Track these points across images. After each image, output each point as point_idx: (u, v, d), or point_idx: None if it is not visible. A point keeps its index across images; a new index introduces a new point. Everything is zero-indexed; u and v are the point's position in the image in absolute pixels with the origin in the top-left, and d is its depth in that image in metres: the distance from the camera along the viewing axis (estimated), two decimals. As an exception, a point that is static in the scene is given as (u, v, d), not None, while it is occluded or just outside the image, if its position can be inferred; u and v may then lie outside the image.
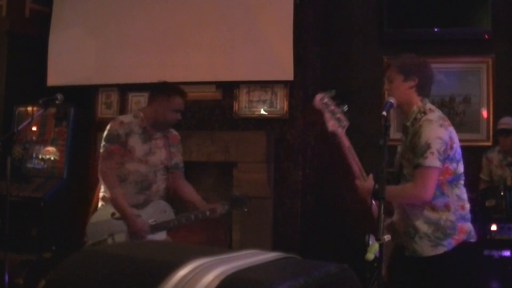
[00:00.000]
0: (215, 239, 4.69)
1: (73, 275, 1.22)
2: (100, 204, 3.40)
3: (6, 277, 3.40)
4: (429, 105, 2.68)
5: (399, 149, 2.77)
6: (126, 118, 3.47)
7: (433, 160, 2.50)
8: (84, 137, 5.40)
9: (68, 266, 1.25)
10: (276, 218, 4.80)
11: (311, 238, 5.00)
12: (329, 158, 5.35)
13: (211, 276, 1.07)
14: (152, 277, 1.11)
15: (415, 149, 2.56)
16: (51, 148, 5.27)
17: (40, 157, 5.28)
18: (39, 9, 5.68)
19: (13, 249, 3.69)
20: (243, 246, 4.62)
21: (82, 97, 5.39)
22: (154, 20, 5.14)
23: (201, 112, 5.09)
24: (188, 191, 3.60)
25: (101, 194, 3.41)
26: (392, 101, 2.58)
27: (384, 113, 2.46)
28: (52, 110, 5.13)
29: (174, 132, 3.59)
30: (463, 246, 2.60)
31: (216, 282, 1.05)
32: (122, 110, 5.32)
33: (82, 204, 5.37)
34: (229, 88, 4.99)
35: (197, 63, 4.96)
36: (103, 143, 3.35)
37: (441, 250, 2.57)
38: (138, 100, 5.28)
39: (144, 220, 3.27)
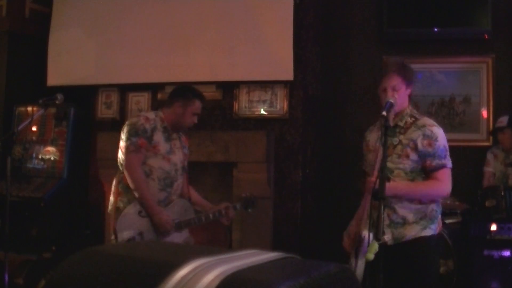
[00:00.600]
0: (215, 239, 4.69)
1: (73, 275, 1.22)
2: (118, 199, 3.35)
3: (6, 277, 3.40)
4: (414, 110, 2.96)
5: (379, 144, 2.83)
6: (149, 114, 3.48)
7: (450, 162, 2.83)
8: (84, 137, 5.40)
9: (68, 266, 1.25)
10: (276, 218, 4.80)
11: (311, 238, 5.00)
12: (329, 158, 5.35)
13: (211, 276, 1.07)
14: (152, 277, 1.11)
15: (432, 151, 2.77)
16: (51, 148, 5.27)
17: (40, 157, 5.28)
18: (39, 9, 5.68)
19: (13, 249, 3.70)
20: (243, 246, 4.62)
21: (82, 97, 5.39)
22: (154, 20, 5.14)
23: (201, 112, 5.09)
24: (194, 193, 3.66)
25: (118, 189, 3.38)
26: (392, 101, 2.65)
27: (384, 113, 2.50)
28: (52, 110, 5.12)
29: (183, 135, 3.64)
30: (441, 236, 2.99)
31: (216, 282, 1.05)
32: (122, 110, 5.32)
33: (82, 204, 5.37)
34: (229, 88, 4.99)
35: (197, 63, 4.96)
36: (127, 136, 3.32)
37: (429, 232, 2.82)
38: (138, 100, 5.28)
39: (170, 217, 3.32)
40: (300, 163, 4.82)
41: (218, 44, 4.94)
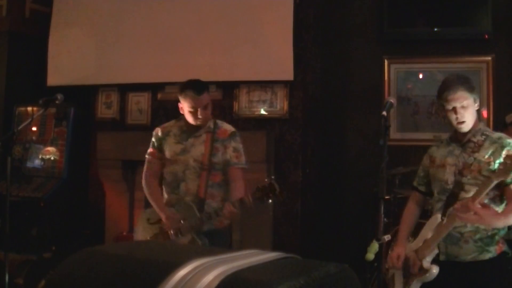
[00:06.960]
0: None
1: (73, 275, 1.22)
2: None
3: (6, 277, 3.40)
4: (486, 127, 2.74)
5: (450, 161, 2.70)
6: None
7: None
8: (84, 137, 5.40)
9: (68, 266, 1.25)
10: (276, 218, 4.80)
11: (311, 238, 5.00)
12: (329, 158, 5.35)
13: (211, 276, 1.07)
14: (152, 277, 1.11)
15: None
16: (51, 148, 5.27)
17: (40, 157, 5.28)
18: (39, 9, 5.68)
19: (13, 249, 3.71)
20: (243, 246, 4.62)
21: (82, 97, 5.39)
22: (154, 20, 5.14)
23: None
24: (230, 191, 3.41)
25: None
26: (392, 101, 2.58)
27: (384, 113, 2.47)
28: (52, 110, 5.12)
29: (224, 127, 3.54)
30: (504, 255, 2.64)
31: (216, 282, 1.05)
32: (122, 110, 5.31)
33: (82, 204, 5.37)
34: (229, 88, 4.99)
35: (197, 63, 4.95)
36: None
37: (486, 256, 2.58)
38: (138, 100, 5.28)
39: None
40: (300, 163, 4.82)
41: (218, 44, 4.94)
